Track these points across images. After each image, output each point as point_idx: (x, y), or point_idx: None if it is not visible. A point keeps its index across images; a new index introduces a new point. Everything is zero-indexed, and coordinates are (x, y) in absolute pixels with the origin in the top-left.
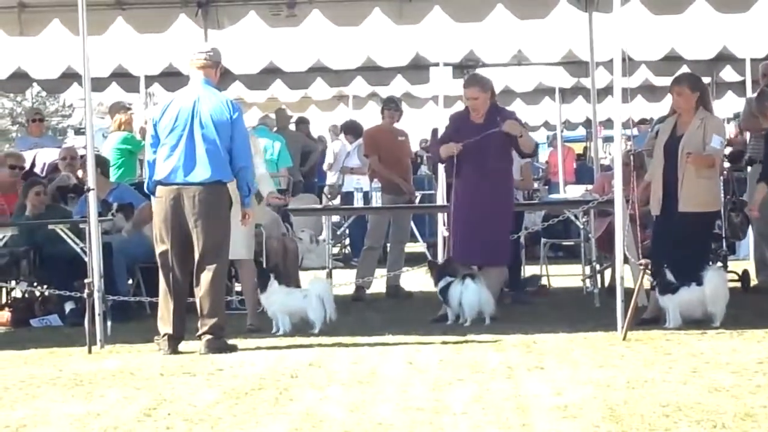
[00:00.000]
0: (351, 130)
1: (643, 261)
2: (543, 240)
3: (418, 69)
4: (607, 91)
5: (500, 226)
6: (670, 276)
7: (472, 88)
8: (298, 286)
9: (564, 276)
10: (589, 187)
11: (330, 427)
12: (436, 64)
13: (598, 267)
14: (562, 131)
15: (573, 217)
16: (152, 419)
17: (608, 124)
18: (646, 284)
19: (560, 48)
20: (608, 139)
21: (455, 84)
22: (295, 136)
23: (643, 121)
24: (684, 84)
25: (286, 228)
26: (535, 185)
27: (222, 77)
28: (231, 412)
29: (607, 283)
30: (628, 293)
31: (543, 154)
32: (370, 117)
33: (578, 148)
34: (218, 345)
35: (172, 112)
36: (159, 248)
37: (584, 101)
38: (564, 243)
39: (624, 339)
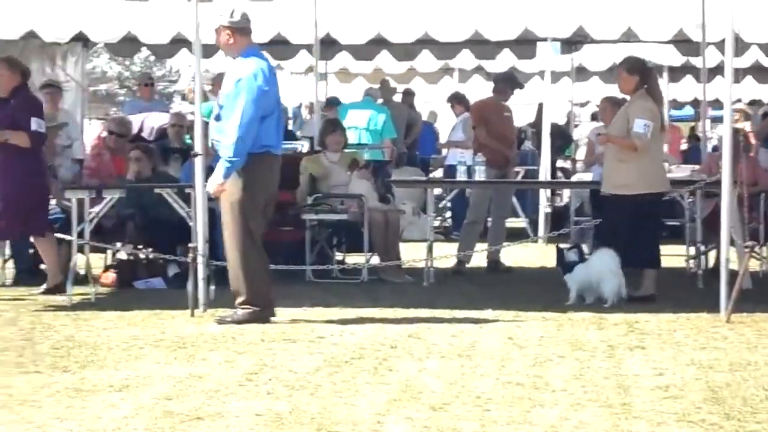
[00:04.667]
0: (458, 101)
1: (749, 243)
2: None
3: (525, 44)
4: (716, 71)
5: None
6: (573, 256)
7: None
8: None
9: (668, 256)
10: (696, 167)
11: (428, 399)
12: (544, 39)
13: (702, 248)
14: (669, 110)
15: (679, 198)
16: (253, 383)
17: (716, 104)
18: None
19: (671, 26)
20: (716, 120)
21: (562, 60)
22: (399, 107)
23: (752, 102)
24: None
25: (389, 199)
26: None
27: (326, 46)
28: (330, 380)
29: (711, 264)
30: (732, 275)
31: None
32: (475, 91)
33: (685, 128)
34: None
35: (274, 81)
36: (256, 216)
37: (693, 81)
38: (669, 222)
39: (728, 321)
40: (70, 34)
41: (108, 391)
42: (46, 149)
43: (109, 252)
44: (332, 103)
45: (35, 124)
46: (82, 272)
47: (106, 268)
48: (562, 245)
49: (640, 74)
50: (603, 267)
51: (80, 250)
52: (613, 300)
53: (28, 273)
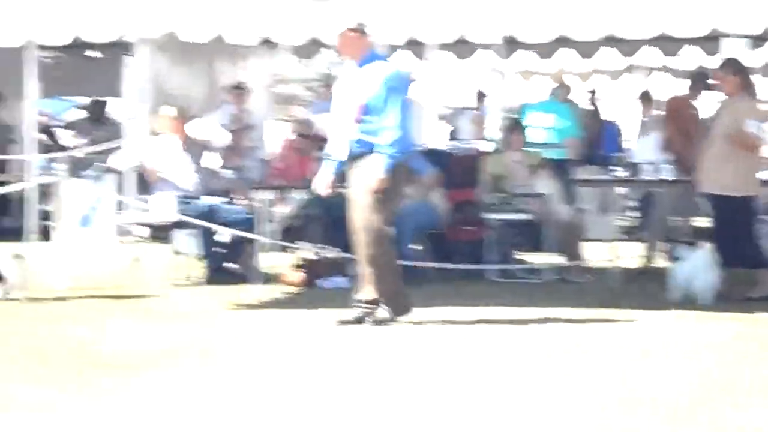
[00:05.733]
0: (647, 99)
1: None
2: None
3: (711, 40)
4: None
5: None
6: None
7: None
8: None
9: None
10: None
11: (612, 397)
12: (733, 36)
13: None
14: None
15: None
16: (449, 384)
17: None
18: None
19: None
20: None
21: (750, 56)
22: (582, 106)
23: None
24: None
25: (572, 198)
26: None
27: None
28: (516, 380)
29: None
30: None
31: None
32: (660, 88)
33: None
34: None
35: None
36: (389, 217)
37: None
38: None
39: None
40: (257, 38)
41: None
42: (234, 150)
43: (296, 251)
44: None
45: None
46: (268, 272)
47: (293, 268)
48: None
49: (741, 75)
50: (698, 264)
51: (267, 249)
52: (707, 297)
53: (220, 271)
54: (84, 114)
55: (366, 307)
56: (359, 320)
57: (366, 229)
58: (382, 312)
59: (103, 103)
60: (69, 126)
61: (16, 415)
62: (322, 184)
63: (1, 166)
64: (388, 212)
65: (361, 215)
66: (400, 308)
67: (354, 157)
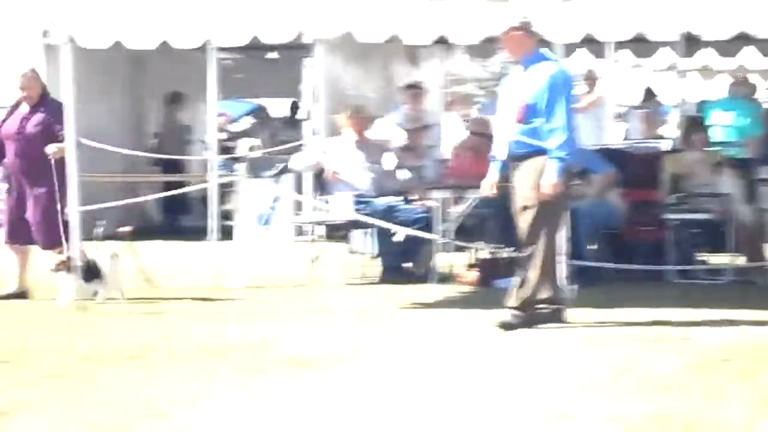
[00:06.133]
0: None
1: None
2: None
3: None
4: None
5: None
6: None
7: None
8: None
9: None
10: None
11: None
12: None
13: None
14: None
15: None
16: (619, 383)
17: None
18: None
19: None
20: None
21: None
22: (760, 105)
23: None
24: None
25: (756, 198)
26: None
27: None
28: (697, 382)
29: None
30: None
31: None
32: None
33: None
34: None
35: None
36: (558, 222)
37: None
38: None
39: None
40: (433, 37)
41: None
42: (411, 150)
43: (471, 251)
44: None
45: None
46: (443, 271)
47: (469, 267)
48: None
49: None
50: None
51: (443, 249)
52: None
53: (395, 271)
54: (260, 115)
55: (534, 309)
56: (524, 323)
57: (533, 233)
58: (545, 315)
59: (296, 104)
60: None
61: (208, 410)
62: (486, 184)
63: (181, 167)
64: (557, 217)
65: (529, 218)
66: (558, 313)
67: (516, 158)
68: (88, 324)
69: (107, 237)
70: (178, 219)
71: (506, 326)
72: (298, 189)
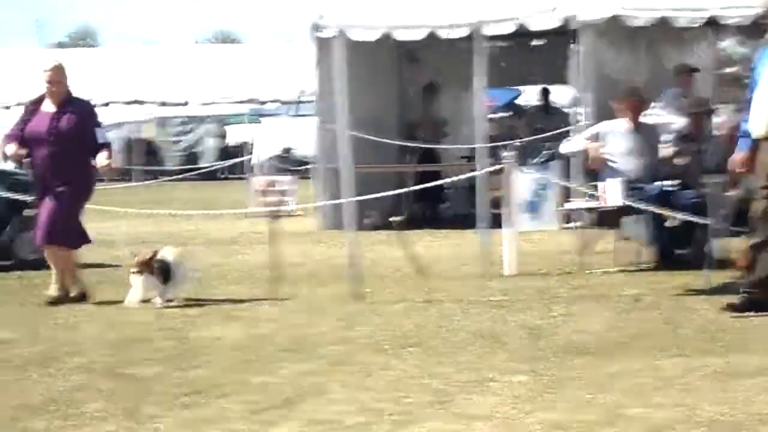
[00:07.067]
0: None
1: None
2: None
3: None
4: None
5: None
6: None
7: None
8: None
9: None
10: None
11: None
12: None
13: None
14: None
15: None
16: None
17: None
18: None
19: None
20: None
21: None
22: None
23: None
24: None
25: None
26: None
27: None
28: None
29: None
30: None
31: None
32: None
33: None
34: None
35: None
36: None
37: None
38: None
39: None
40: (702, 19)
41: (753, 376)
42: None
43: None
44: None
45: (101, 135)
46: (720, 257)
47: (744, 253)
48: None
49: None
50: None
51: (719, 234)
52: None
53: (669, 257)
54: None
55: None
56: (746, 306)
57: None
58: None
59: (547, 91)
60: (515, 114)
61: (488, 397)
62: (735, 162)
63: (435, 156)
64: None
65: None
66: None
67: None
68: (366, 313)
69: (376, 227)
70: (435, 208)
71: (733, 308)
72: (567, 176)
